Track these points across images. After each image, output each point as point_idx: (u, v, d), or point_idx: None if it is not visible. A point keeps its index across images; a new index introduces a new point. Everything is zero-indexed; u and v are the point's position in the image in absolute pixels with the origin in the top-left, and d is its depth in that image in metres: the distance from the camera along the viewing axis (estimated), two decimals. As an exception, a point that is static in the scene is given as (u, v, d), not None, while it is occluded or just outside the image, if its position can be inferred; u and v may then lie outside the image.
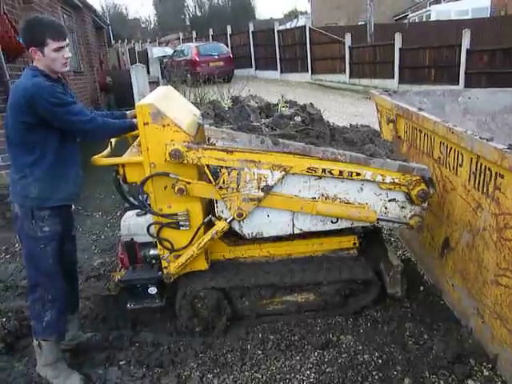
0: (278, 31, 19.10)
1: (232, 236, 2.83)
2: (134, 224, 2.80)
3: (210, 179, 2.43)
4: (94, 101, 10.77)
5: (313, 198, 2.49)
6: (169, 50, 22.87)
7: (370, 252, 2.95)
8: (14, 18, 5.35)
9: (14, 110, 2.18)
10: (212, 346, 2.70)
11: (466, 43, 11.84)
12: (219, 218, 2.55)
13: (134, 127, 2.47)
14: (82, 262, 3.90)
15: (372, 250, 2.97)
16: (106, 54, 15.62)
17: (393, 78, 14.12)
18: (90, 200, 5.50)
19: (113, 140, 2.75)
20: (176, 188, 2.42)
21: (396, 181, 2.43)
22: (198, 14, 44.60)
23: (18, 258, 4.04)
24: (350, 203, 2.50)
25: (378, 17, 20.78)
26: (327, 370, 2.45)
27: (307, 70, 17.82)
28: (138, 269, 2.82)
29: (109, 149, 2.73)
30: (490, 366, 2.36)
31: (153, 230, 2.60)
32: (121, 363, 2.63)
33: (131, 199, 2.74)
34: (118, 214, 4.93)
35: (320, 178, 2.44)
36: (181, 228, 2.57)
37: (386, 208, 2.53)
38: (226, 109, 2.72)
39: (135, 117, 2.41)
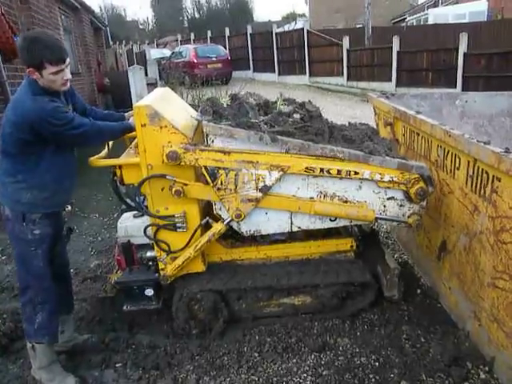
0: (276, 34, 19.12)
1: (229, 238, 2.83)
2: (130, 226, 2.79)
3: (207, 180, 2.42)
4: (92, 102, 10.75)
5: (311, 198, 2.48)
6: (167, 52, 22.89)
7: (367, 255, 2.95)
8: (12, 18, 5.34)
9: (14, 128, 2.13)
10: (208, 349, 2.70)
11: (463, 47, 11.89)
12: (218, 217, 2.54)
13: (132, 129, 2.46)
14: (79, 264, 3.89)
15: (369, 253, 2.97)
16: (104, 55, 15.59)
17: (390, 80, 14.15)
18: (87, 201, 5.49)
19: (110, 141, 2.74)
20: (173, 190, 2.41)
21: (395, 179, 2.43)
22: (197, 15, 44.70)
23: (14, 260, 4.01)
24: (348, 201, 2.50)
25: (376, 20, 20.87)
26: (324, 373, 2.45)
27: (305, 73, 17.86)
28: (134, 270, 2.81)
29: (106, 150, 2.72)
30: (486, 368, 2.36)
31: (150, 231, 2.59)
32: (117, 365, 2.62)
33: (128, 201, 2.74)
34: (115, 215, 4.91)
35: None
36: (178, 230, 2.56)
37: (384, 206, 2.53)
38: (225, 106, 2.72)
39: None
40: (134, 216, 2.85)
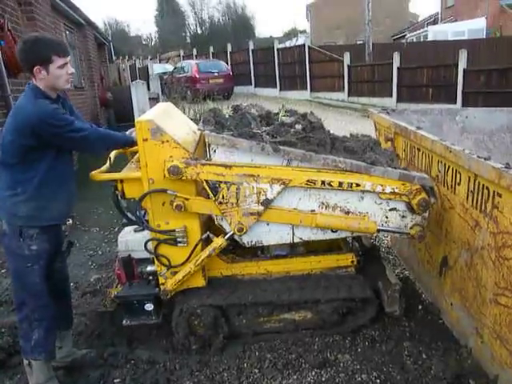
0: (278, 49, 19.35)
1: (230, 253, 2.82)
2: (131, 240, 2.79)
3: (209, 195, 2.43)
4: (94, 116, 10.84)
5: (312, 210, 2.48)
6: (169, 67, 23.10)
7: (368, 270, 2.94)
8: (18, 34, 5.42)
9: (16, 134, 2.15)
10: (208, 364, 2.67)
11: (462, 63, 12.01)
12: (219, 231, 2.54)
13: (133, 142, 2.47)
14: (79, 278, 3.87)
15: (370, 268, 2.96)
16: (107, 69, 15.78)
17: (391, 96, 14.26)
18: (87, 215, 5.49)
19: (112, 155, 2.75)
20: (174, 204, 2.42)
21: (396, 190, 2.43)
22: (199, 31, 45.25)
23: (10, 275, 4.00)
24: (350, 212, 2.49)
25: (376, 36, 21.14)
26: (325, 390, 2.42)
27: (306, 88, 18.01)
28: (134, 285, 2.80)
29: (108, 164, 2.73)
30: (489, 387, 2.33)
31: (150, 246, 2.59)
32: (115, 381, 2.59)
33: (129, 215, 2.74)
34: (116, 229, 4.90)
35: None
36: (178, 244, 2.56)
37: (386, 217, 2.52)
38: (227, 117, 2.73)
39: None
40: (135, 230, 2.85)
